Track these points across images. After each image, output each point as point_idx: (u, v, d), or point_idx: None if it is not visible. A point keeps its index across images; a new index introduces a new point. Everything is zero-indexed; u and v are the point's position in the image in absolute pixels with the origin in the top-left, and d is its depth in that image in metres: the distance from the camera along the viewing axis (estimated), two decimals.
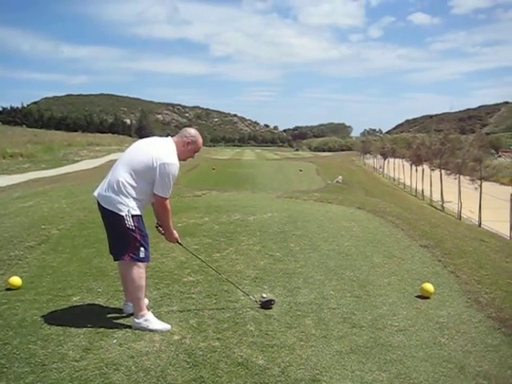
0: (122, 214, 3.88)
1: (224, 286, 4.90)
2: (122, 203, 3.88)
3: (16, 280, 4.88)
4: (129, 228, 3.90)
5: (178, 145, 4.08)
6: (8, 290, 4.81)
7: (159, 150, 3.93)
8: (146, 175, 3.88)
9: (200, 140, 4.22)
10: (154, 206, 4.12)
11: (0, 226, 7.88)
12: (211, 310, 4.32)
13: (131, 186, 3.89)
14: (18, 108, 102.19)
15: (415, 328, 4.06)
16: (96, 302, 4.46)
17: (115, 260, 4.15)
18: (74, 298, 4.57)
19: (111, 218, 3.94)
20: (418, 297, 4.79)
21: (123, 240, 3.95)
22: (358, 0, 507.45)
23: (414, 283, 5.17)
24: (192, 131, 4.19)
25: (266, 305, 4.39)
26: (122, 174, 3.90)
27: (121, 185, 3.88)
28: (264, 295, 4.63)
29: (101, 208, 4.02)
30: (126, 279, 4.12)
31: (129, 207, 3.89)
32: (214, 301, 4.54)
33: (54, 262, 5.82)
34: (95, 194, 4.03)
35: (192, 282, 5.03)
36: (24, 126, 64.16)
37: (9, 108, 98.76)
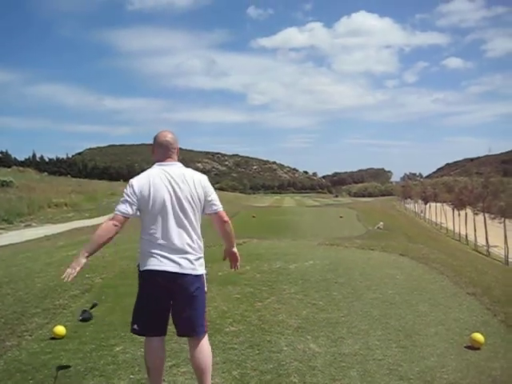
0: (203, 272, 3.46)
1: (266, 336, 4.83)
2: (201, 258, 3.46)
3: (60, 329, 4.93)
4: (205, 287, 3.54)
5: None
6: (52, 339, 4.85)
7: None
8: None
9: (158, 135, 3.47)
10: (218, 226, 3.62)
11: (45, 274, 8.02)
12: (254, 360, 4.25)
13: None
14: (63, 159, 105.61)
15: (466, 381, 3.89)
16: (138, 353, 4.42)
17: (198, 336, 3.43)
18: (117, 348, 4.57)
19: (196, 284, 3.40)
20: (468, 347, 4.61)
21: (203, 305, 3.52)
22: (390, 47, 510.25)
23: (462, 333, 4.99)
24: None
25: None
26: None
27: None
28: None
29: (175, 279, 3.31)
30: (207, 360, 3.43)
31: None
32: (257, 351, 4.46)
33: (98, 311, 5.85)
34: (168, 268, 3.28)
35: (234, 332, 4.97)
36: (69, 175, 65.94)
37: (55, 159, 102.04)
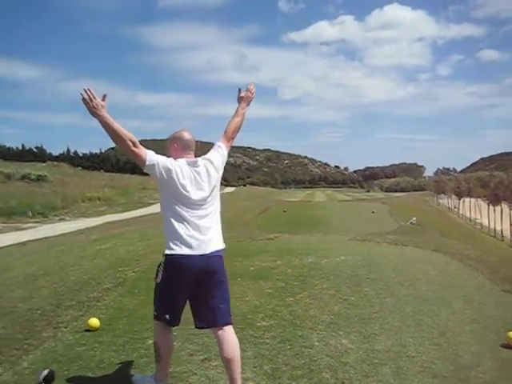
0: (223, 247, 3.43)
1: (298, 331, 4.82)
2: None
3: (95, 322, 5.01)
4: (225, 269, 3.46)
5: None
6: (87, 331, 4.94)
7: None
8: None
9: (178, 133, 3.61)
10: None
11: (79, 268, 8.16)
12: (285, 356, 4.24)
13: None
14: (96, 153, 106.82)
15: (503, 381, 3.82)
16: None
17: (223, 326, 3.37)
18: (150, 341, 4.60)
19: (220, 269, 3.39)
20: (504, 346, 4.52)
21: (228, 290, 3.46)
22: (423, 40, 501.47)
23: (498, 331, 4.89)
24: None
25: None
26: None
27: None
28: None
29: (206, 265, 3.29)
30: (235, 352, 3.36)
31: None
32: (289, 346, 4.45)
33: (131, 304, 5.94)
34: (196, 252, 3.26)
35: (266, 327, 4.97)
36: (102, 170, 66.68)
37: (88, 154, 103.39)
